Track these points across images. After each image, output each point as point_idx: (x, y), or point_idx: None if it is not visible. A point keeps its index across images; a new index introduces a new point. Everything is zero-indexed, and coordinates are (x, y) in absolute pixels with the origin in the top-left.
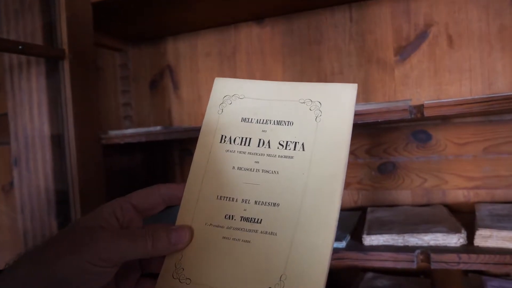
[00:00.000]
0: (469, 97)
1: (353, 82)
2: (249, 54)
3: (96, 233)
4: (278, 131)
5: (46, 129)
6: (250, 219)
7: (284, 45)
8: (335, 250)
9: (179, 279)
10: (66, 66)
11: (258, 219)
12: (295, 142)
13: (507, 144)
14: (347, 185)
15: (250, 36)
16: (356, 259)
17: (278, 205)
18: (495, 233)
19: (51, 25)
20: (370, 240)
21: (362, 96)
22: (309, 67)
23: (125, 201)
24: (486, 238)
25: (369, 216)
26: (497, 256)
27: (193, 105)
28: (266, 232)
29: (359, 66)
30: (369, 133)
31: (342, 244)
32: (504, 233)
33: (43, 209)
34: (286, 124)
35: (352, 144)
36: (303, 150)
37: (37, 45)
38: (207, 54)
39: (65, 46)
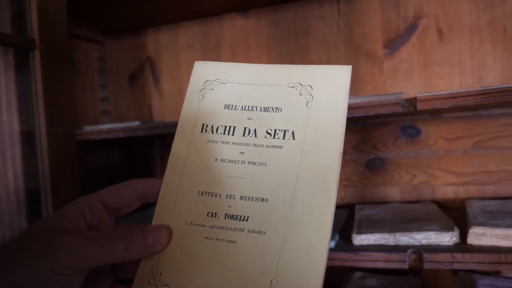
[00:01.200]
0: (464, 90)
1: None
2: (233, 47)
3: (59, 236)
4: (265, 119)
5: (16, 125)
6: (235, 217)
7: (269, 37)
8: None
9: (156, 286)
10: (37, 57)
11: (244, 217)
12: (284, 131)
13: (497, 139)
14: None
15: (234, 28)
16: (346, 259)
17: (267, 200)
18: (489, 230)
19: (21, 14)
20: (360, 239)
21: (350, 89)
22: (296, 60)
23: (94, 198)
24: (479, 236)
25: (357, 214)
26: (492, 255)
27: (175, 99)
28: (253, 231)
29: (347, 59)
30: (357, 128)
31: (331, 244)
32: (498, 231)
33: (12, 210)
34: (274, 110)
35: None
36: (293, 139)
37: (4, 34)
38: (190, 46)
39: (36, 36)
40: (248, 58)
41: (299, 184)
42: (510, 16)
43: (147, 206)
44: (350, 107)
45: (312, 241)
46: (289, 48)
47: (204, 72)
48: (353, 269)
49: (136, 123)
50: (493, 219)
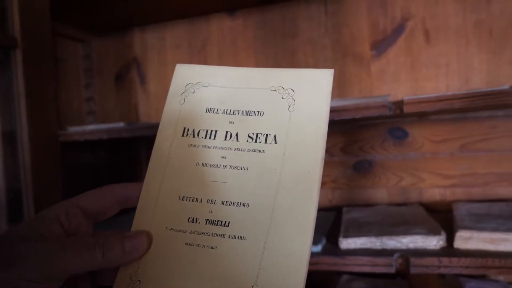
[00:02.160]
0: (450, 93)
1: None
2: (220, 47)
3: (34, 243)
4: (247, 123)
5: None
6: (216, 222)
7: (257, 38)
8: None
9: None
10: (18, 56)
11: (225, 222)
12: (266, 134)
13: (484, 141)
14: (322, 184)
15: (221, 29)
16: (333, 264)
17: (248, 205)
18: (475, 234)
19: (2, 11)
20: (347, 243)
21: (338, 91)
22: (283, 61)
23: (71, 204)
24: (466, 240)
25: (345, 217)
26: (478, 260)
27: (161, 100)
28: (234, 237)
29: (334, 61)
30: (344, 130)
31: (318, 248)
32: (484, 235)
33: None
34: (256, 114)
35: (326, 141)
36: (275, 143)
37: None
38: (177, 46)
39: (18, 34)
40: (235, 59)
41: (280, 189)
42: (496, 19)
43: (132, 209)
44: (338, 110)
45: (294, 246)
46: (277, 49)
47: (186, 75)
48: (341, 273)
49: (121, 124)
50: (479, 222)
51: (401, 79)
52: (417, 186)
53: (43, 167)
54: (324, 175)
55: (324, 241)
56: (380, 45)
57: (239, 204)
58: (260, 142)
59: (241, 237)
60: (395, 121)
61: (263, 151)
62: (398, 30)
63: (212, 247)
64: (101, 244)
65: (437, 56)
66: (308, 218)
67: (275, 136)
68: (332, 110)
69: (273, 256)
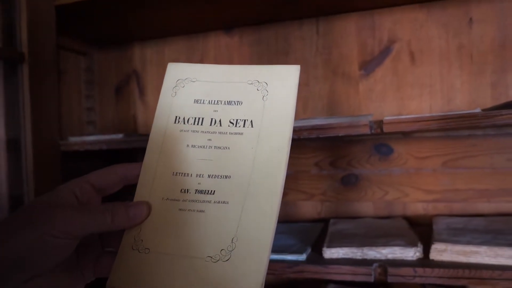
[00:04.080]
0: (427, 114)
1: (319, 94)
2: (217, 62)
3: (55, 208)
4: (229, 111)
5: (2, 133)
6: (204, 191)
7: (252, 55)
8: (295, 263)
9: (138, 250)
10: (25, 70)
11: (211, 191)
12: (244, 120)
13: (465, 159)
14: (311, 196)
15: (218, 45)
16: (316, 272)
17: (230, 177)
18: (449, 247)
19: (11, 27)
20: (330, 253)
21: (328, 108)
22: None
23: (83, 180)
24: (441, 252)
25: (331, 228)
26: (450, 270)
27: None
28: (219, 202)
29: (325, 79)
30: (333, 145)
31: (303, 257)
32: (458, 247)
33: None
34: (236, 103)
35: (316, 155)
36: (252, 126)
37: None
38: (175, 60)
39: (25, 50)
40: None
41: (256, 163)
42: (476, 44)
43: (133, 185)
44: (322, 128)
45: (265, 208)
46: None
47: (176, 72)
48: (328, 282)
49: (120, 135)
50: (456, 236)
51: (387, 98)
52: (401, 200)
53: (44, 175)
54: (314, 188)
55: (309, 250)
56: (368, 65)
57: (222, 176)
58: (239, 126)
59: (224, 202)
60: (381, 137)
61: (241, 133)
62: (385, 51)
63: (201, 211)
64: (110, 210)
65: (421, 77)
66: (276, 186)
67: (251, 121)
68: (317, 128)
69: (249, 216)
